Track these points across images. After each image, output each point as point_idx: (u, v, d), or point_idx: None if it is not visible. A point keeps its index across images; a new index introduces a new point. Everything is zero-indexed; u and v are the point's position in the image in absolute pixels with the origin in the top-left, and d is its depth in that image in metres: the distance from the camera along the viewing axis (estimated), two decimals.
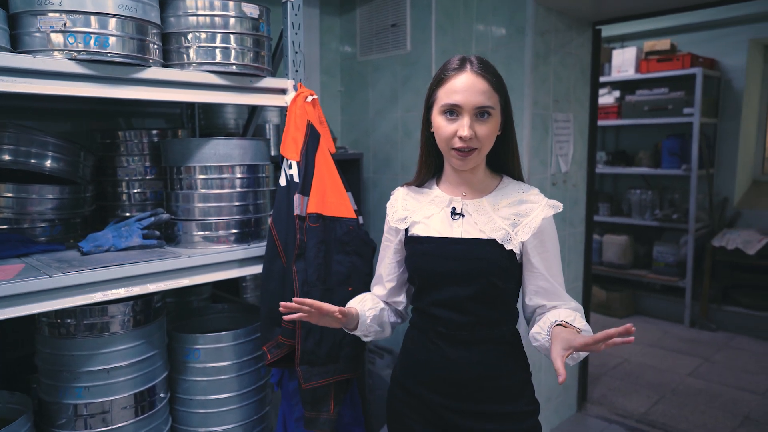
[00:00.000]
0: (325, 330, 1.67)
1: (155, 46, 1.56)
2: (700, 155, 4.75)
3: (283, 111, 2.80)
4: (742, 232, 4.72)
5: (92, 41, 1.42)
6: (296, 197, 1.67)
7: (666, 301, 5.07)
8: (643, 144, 5.39)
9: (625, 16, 3.24)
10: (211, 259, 1.68)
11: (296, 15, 1.80)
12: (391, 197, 1.55)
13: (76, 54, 1.41)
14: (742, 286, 4.89)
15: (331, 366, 1.68)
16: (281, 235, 1.70)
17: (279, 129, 2.78)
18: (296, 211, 1.67)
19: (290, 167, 1.72)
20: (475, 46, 3.04)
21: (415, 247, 1.43)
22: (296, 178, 1.70)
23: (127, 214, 1.98)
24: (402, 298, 1.57)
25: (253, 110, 2.12)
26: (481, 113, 1.28)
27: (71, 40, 1.41)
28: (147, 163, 1.98)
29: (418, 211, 1.45)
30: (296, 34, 1.81)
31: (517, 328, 1.44)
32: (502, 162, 1.43)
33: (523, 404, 1.41)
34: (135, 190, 1.99)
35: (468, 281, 1.34)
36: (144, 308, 1.68)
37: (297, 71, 1.82)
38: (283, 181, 1.73)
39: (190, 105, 2.34)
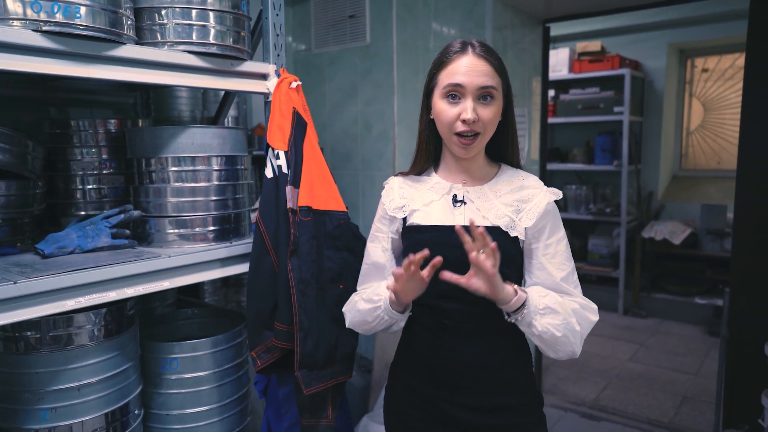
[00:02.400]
0: (322, 330, 1.57)
1: (129, 21, 1.40)
2: (629, 152, 5.02)
3: (241, 100, 2.65)
4: (668, 224, 5.03)
5: (60, 12, 1.24)
6: (288, 189, 1.56)
7: (601, 291, 5.31)
8: (577, 141, 5.63)
9: (572, 14, 3.34)
10: (193, 258, 1.52)
11: None
12: (386, 186, 1.47)
13: (41, 25, 1.22)
14: (669, 275, 5.22)
15: (329, 369, 1.57)
16: (270, 230, 1.57)
17: (238, 121, 2.62)
18: (289, 204, 1.55)
19: (278, 157, 1.59)
20: (434, 39, 3.02)
21: (415, 236, 1.36)
22: (285, 169, 1.58)
23: (82, 213, 1.77)
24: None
25: (226, 98, 1.96)
26: (483, 96, 1.25)
27: (35, 8, 1.22)
28: (104, 156, 1.78)
29: (416, 199, 1.38)
30: (277, 15, 1.69)
31: None
32: (501, 149, 1.39)
33: (530, 396, 1.39)
34: (90, 186, 1.78)
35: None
36: (117, 316, 1.50)
37: (279, 55, 1.70)
38: (269, 173, 1.60)
39: (145, 93, 2.14)
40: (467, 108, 1.23)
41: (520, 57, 3.15)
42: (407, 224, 1.39)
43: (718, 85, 5.71)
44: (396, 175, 1.47)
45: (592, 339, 4.63)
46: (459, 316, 1.31)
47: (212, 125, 1.83)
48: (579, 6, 3.17)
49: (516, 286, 1.23)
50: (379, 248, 1.45)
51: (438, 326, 1.34)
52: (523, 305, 1.21)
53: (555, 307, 1.24)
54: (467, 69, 1.24)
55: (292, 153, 1.58)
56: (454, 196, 1.34)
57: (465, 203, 1.33)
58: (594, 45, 5.09)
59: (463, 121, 1.24)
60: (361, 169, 2.99)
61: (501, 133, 1.35)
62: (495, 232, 1.28)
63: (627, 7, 3.25)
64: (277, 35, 1.69)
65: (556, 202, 1.35)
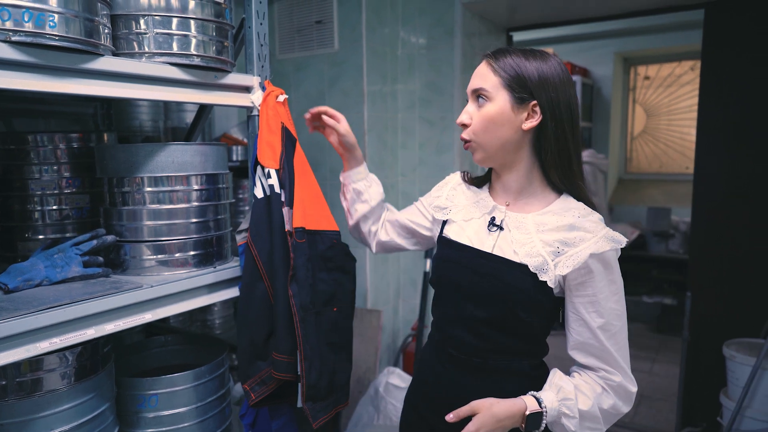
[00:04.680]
0: (323, 359, 1.49)
1: (106, 30, 1.26)
2: None
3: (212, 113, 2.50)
4: (617, 226, 5.19)
5: (32, 20, 1.10)
6: (285, 210, 1.46)
7: None
8: None
9: (533, 24, 3.39)
10: (178, 287, 1.40)
11: (261, 3, 1.57)
12: (446, 178, 1.44)
13: (9, 35, 1.08)
14: None
15: (331, 398, 1.50)
16: (263, 254, 1.47)
17: (204, 131, 2.48)
18: (286, 227, 1.46)
19: (269, 176, 1.50)
20: (402, 47, 2.97)
21: (443, 250, 1.31)
22: (277, 189, 1.49)
23: (41, 237, 1.61)
24: (387, 232, 1.55)
25: (201, 111, 1.83)
26: (478, 97, 1.19)
27: (3, 16, 1.07)
28: (66, 174, 1.62)
29: (461, 210, 1.32)
30: (261, 24, 1.58)
31: (544, 362, 1.29)
32: (552, 174, 1.20)
33: None
34: (51, 207, 1.62)
35: (485, 303, 1.19)
36: (92, 355, 1.36)
37: (263, 67, 1.60)
38: (260, 193, 1.50)
39: (106, 104, 1.98)
40: (462, 112, 1.21)
41: None
42: (442, 233, 1.34)
43: (659, 93, 5.98)
44: (460, 173, 1.41)
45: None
46: (465, 347, 1.23)
47: (193, 142, 1.70)
48: (539, 16, 3.23)
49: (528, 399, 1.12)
50: (417, 209, 1.48)
51: (444, 354, 1.28)
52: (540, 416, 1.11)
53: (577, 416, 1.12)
54: (473, 75, 1.22)
55: (285, 171, 1.49)
56: (492, 218, 1.25)
57: (502, 229, 1.22)
58: (547, 52, 5.19)
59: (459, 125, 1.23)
60: (329, 179, 2.90)
61: (548, 153, 1.18)
62: (520, 270, 1.16)
63: (583, 19, 3.34)
64: (261, 45, 1.59)
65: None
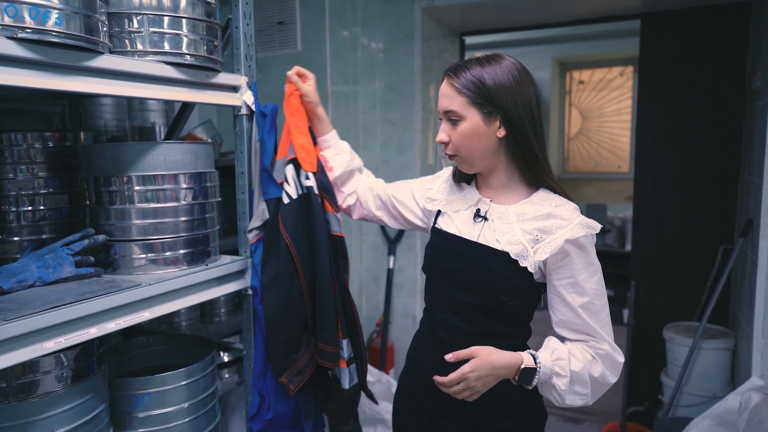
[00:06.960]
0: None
1: (104, 28, 1.26)
2: None
3: (169, 108, 2.47)
4: None
5: (39, 17, 1.08)
6: (333, 216, 1.60)
7: None
8: None
9: (483, 29, 3.55)
10: (174, 284, 1.40)
11: (247, 4, 1.60)
12: (439, 172, 1.51)
13: (16, 32, 1.06)
14: None
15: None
16: (301, 252, 1.55)
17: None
18: (336, 230, 1.60)
19: (307, 178, 1.57)
20: (362, 50, 3.04)
21: (435, 239, 1.40)
22: (316, 190, 1.57)
23: (16, 239, 1.56)
24: (369, 206, 1.62)
25: (183, 110, 1.82)
26: (450, 118, 1.25)
27: (9, 12, 1.06)
28: (43, 173, 1.58)
29: (451, 202, 1.40)
30: (248, 25, 1.61)
31: (528, 346, 1.35)
32: (529, 172, 1.28)
33: (523, 421, 1.35)
34: (26, 208, 1.57)
35: (470, 288, 1.28)
36: (88, 355, 1.34)
37: (250, 67, 1.62)
38: (294, 193, 1.56)
39: (75, 102, 1.93)
40: (440, 131, 1.28)
41: (443, 66, 3.27)
42: (435, 225, 1.42)
43: (592, 96, 6.34)
44: (454, 168, 1.44)
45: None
46: (453, 329, 1.31)
47: (184, 141, 1.70)
48: (487, 22, 3.40)
49: (525, 354, 1.17)
50: (408, 190, 1.55)
51: (435, 337, 1.36)
52: (532, 371, 1.16)
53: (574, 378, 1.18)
54: (439, 95, 1.28)
55: (322, 174, 1.58)
56: (477, 210, 1.34)
57: (486, 220, 1.31)
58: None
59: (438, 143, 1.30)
60: None
61: (516, 157, 1.27)
62: (502, 257, 1.24)
63: (527, 26, 3.54)
64: (248, 45, 1.62)
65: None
